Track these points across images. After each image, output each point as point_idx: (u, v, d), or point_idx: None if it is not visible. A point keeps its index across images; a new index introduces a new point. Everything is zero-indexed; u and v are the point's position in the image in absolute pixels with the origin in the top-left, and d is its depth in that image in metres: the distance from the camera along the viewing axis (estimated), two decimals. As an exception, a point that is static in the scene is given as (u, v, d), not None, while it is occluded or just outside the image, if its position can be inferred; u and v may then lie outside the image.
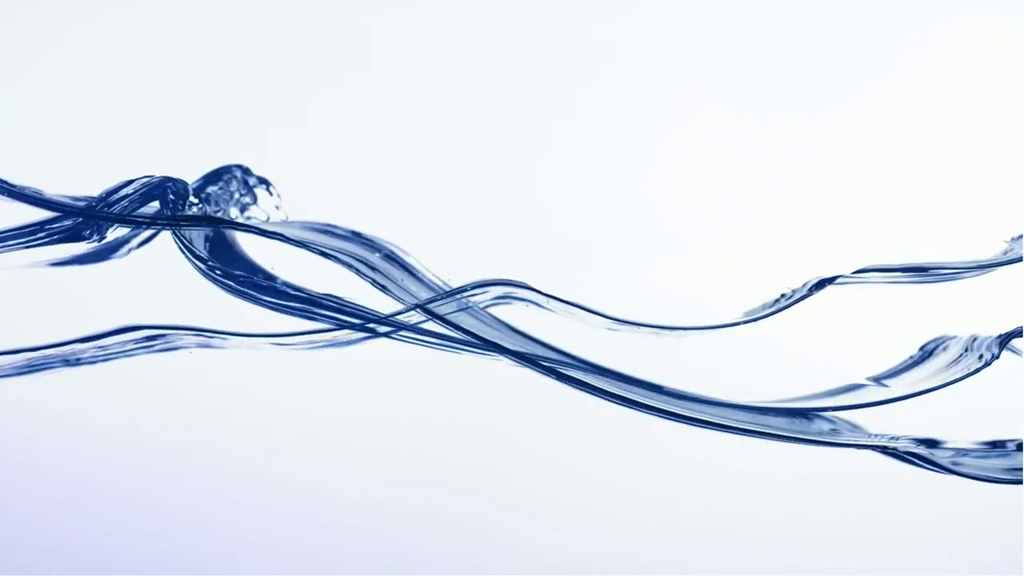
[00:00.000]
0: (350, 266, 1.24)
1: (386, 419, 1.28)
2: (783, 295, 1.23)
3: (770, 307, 1.23)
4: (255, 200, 1.27)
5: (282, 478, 1.28)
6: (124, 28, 1.30)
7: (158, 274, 1.27)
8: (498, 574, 1.27)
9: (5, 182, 1.26)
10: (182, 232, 1.26)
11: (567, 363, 1.23)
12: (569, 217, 1.27)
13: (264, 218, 1.27)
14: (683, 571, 1.26)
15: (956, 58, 1.27)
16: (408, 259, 1.25)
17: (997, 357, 1.22)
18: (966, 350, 1.23)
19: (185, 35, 1.30)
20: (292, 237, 1.23)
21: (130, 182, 1.27)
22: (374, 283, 1.24)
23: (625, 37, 1.28)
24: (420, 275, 1.25)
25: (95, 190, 1.27)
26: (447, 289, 1.24)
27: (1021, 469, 1.22)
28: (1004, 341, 1.22)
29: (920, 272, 1.24)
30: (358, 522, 1.28)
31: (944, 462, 1.22)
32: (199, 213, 1.27)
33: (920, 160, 1.27)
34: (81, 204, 1.26)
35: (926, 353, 1.24)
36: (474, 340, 1.23)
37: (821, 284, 1.23)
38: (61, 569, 1.28)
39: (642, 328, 1.22)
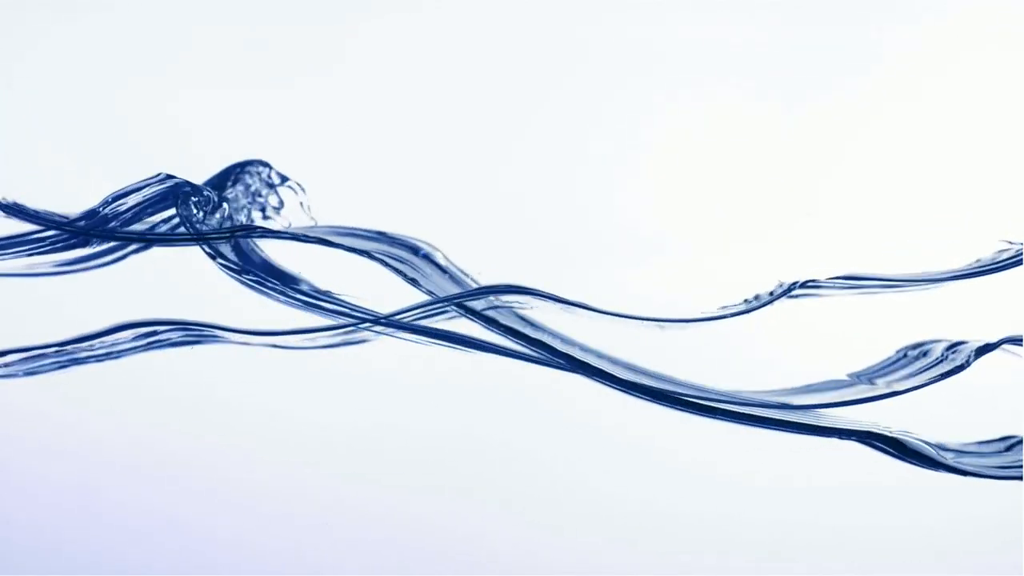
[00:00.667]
0: (387, 264, 1.25)
1: (384, 419, 1.27)
2: (769, 293, 1.24)
3: (768, 302, 1.24)
4: (280, 199, 1.28)
5: (280, 477, 1.27)
6: (127, 28, 1.31)
7: (158, 274, 1.27)
8: (498, 574, 1.26)
9: (23, 207, 1.27)
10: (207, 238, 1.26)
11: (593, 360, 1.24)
12: (564, 220, 1.28)
13: (287, 223, 1.27)
14: (684, 571, 1.25)
15: (952, 58, 1.29)
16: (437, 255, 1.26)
17: (969, 365, 1.23)
18: (943, 356, 1.24)
19: (192, 36, 1.31)
20: (331, 241, 1.24)
21: (140, 187, 1.28)
22: (405, 278, 1.25)
23: (624, 37, 1.30)
24: (453, 274, 1.26)
25: (98, 193, 1.27)
26: (474, 287, 1.25)
27: (1020, 466, 1.22)
28: (980, 351, 1.23)
29: (909, 283, 1.26)
30: (357, 521, 1.27)
31: (943, 459, 1.22)
32: (221, 217, 1.27)
33: (916, 161, 1.28)
34: (111, 223, 1.26)
35: (902, 355, 1.25)
36: (486, 341, 1.24)
37: (792, 287, 1.24)
38: (59, 568, 1.27)
39: (645, 322, 1.23)
